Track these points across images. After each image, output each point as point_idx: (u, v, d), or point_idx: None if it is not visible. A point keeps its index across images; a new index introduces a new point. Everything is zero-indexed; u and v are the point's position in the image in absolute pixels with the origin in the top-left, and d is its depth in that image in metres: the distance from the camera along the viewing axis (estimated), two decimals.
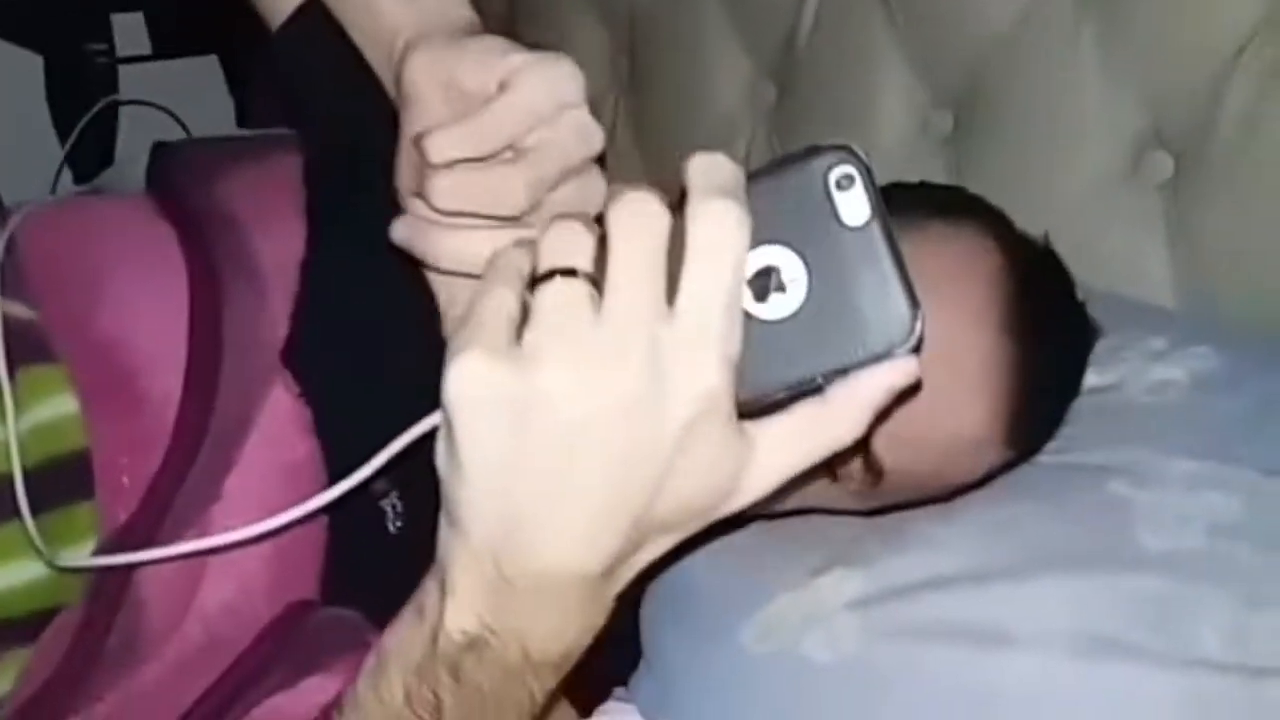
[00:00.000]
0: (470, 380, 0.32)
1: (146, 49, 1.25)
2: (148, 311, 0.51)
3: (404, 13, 0.45)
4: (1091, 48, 0.73)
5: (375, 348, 0.56)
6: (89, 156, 1.16)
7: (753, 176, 0.33)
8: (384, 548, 0.56)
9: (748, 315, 0.33)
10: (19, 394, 0.49)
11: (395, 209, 0.54)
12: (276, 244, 0.57)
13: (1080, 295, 0.60)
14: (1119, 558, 0.49)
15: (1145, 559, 0.49)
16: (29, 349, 0.50)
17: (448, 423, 0.33)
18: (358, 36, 0.48)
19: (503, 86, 0.40)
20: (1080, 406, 0.58)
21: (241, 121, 1.43)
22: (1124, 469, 0.53)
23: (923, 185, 0.63)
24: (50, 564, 0.46)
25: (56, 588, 0.48)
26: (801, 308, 0.33)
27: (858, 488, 0.53)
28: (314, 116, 0.61)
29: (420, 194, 0.41)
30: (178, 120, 0.90)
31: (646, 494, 0.33)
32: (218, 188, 0.59)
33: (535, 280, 0.33)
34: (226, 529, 0.45)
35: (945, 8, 0.83)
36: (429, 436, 0.38)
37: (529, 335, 0.32)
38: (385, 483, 0.56)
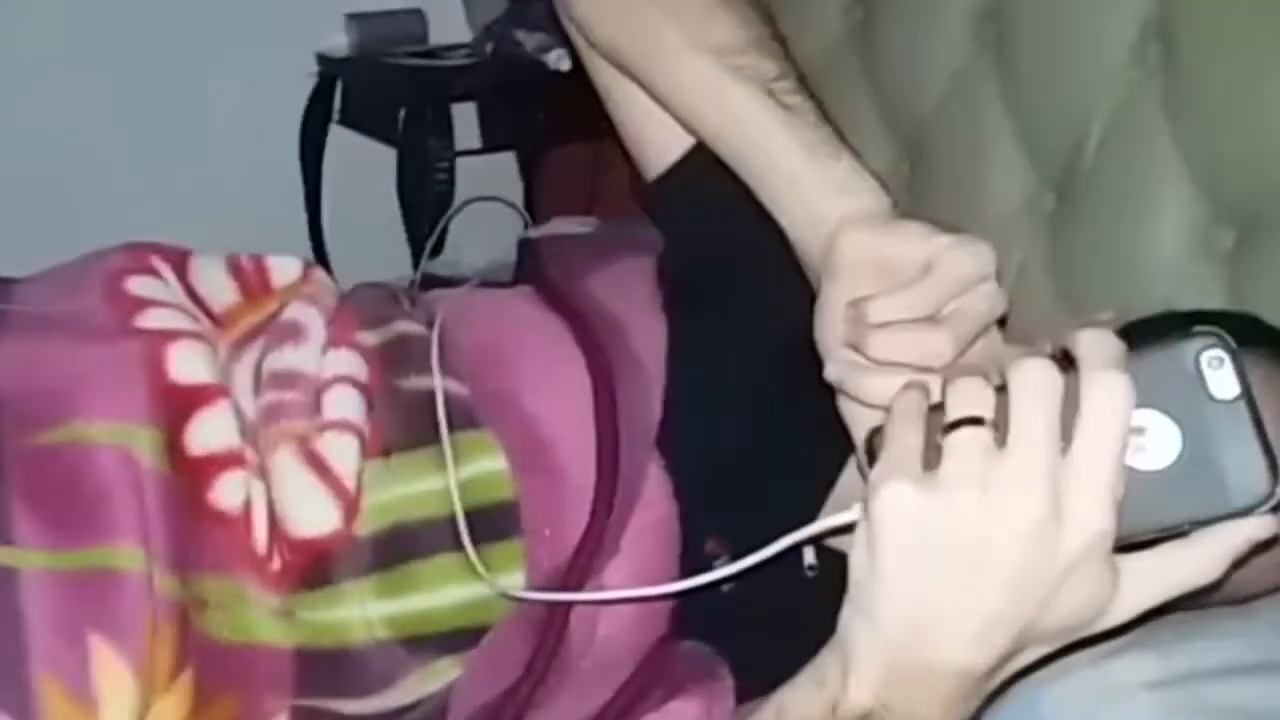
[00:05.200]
0: (898, 504, 0.42)
1: (476, 143, 1.46)
2: (560, 395, 0.64)
3: (835, 201, 0.57)
4: None
5: (728, 428, 0.67)
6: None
7: (1130, 346, 0.42)
8: (717, 598, 0.66)
9: (1126, 466, 0.41)
10: (456, 452, 0.62)
11: (751, 318, 0.66)
12: (646, 337, 0.68)
13: None
14: None
15: None
16: (462, 417, 0.63)
17: (872, 534, 0.42)
18: (775, 208, 0.60)
19: (929, 262, 0.50)
20: None
21: (529, 209, 1.62)
22: None
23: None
24: (499, 591, 0.58)
25: (482, 609, 0.60)
26: (1172, 464, 0.41)
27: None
28: (687, 235, 0.73)
29: (854, 345, 0.51)
30: (519, 212, 1.06)
31: (1034, 609, 0.41)
32: (589, 284, 0.72)
33: (947, 427, 0.42)
34: (620, 576, 0.57)
35: (1231, 123, 0.88)
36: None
37: (945, 469, 0.41)
38: (718, 546, 0.67)
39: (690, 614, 0.63)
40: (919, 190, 1.14)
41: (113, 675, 0.52)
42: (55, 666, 0.51)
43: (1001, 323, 0.55)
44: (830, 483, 0.68)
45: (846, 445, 0.63)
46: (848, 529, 0.45)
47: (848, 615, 0.45)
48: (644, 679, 0.60)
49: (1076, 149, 0.98)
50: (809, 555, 0.66)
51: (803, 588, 0.65)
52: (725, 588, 0.65)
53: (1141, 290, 0.93)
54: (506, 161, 1.78)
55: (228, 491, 0.58)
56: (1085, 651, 0.59)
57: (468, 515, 0.60)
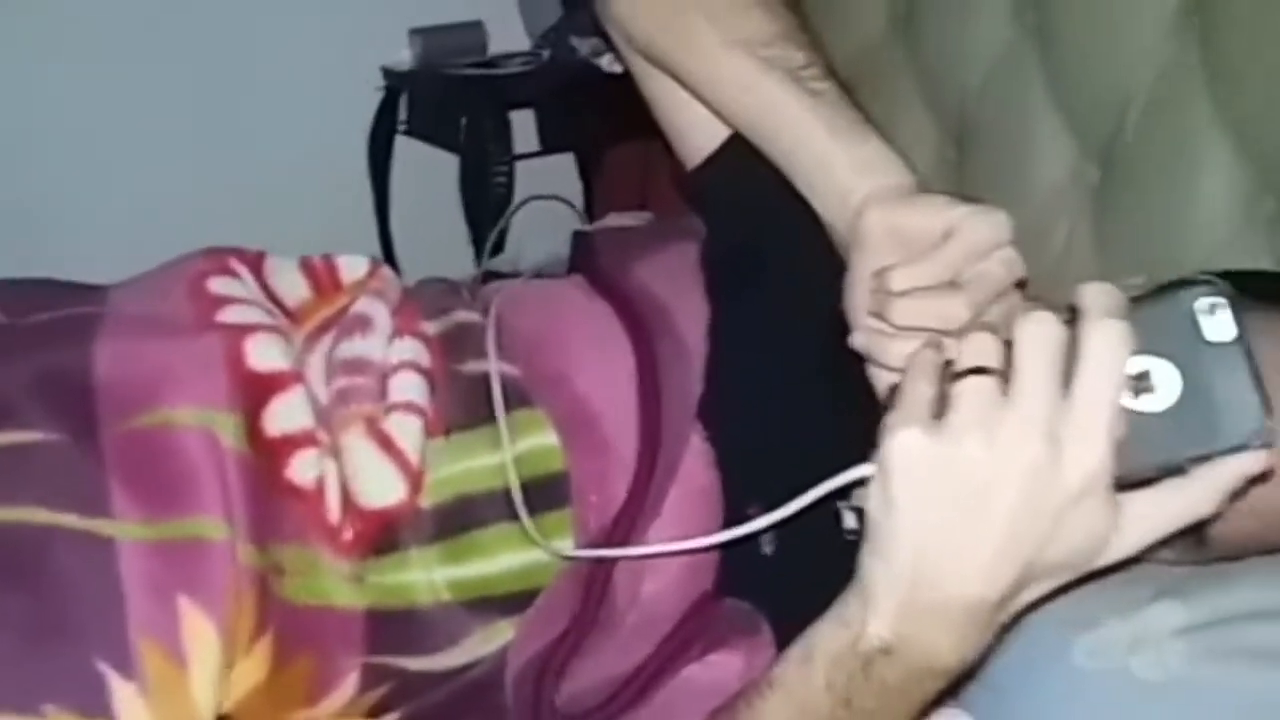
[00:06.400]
0: (910, 449, 0.45)
1: (534, 145, 1.51)
2: (606, 374, 0.67)
3: (861, 179, 0.61)
4: None
5: (768, 401, 0.70)
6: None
7: (1133, 300, 0.44)
8: (759, 560, 0.69)
9: (1125, 408, 0.43)
10: (512, 430, 0.66)
11: (789, 297, 0.69)
12: (688, 317, 0.72)
13: None
14: None
15: None
16: (516, 397, 0.68)
17: (885, 478, 0.46)
18: (807, 189, 0.64)
19: (948, 232, 0.53)
20: None
21: (588, 208, 1.67)
22: None
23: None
24: (553, 553, 0.62)
25: (536, 573, 0.64)
26: (1173, 406, 0.43)
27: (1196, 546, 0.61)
28: (727, 221, 0.76)
29: (877, 313, 0.55)
30: (575, 210, 1.10)
31: (1038, 544, 0.44)
32: (636, 270, 0.75)
33: (956, 375, 0.45)
34: (662, 539, 0.61)
35: (1272, 92, 0.89)
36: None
37: (952, 416, 0.44)
38: (759, 514, 0.70)
39: (733, 574, 0.67)
40: (966, 173, 1.16)
41: (200, 635, 0.57)
42: (152, 628, 0.56)
43: (1021, 286, 0.57)
44: (869, 452, 0.70)
45: (882, 415, 0.66)
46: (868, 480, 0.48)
47: (865, 556, 0.48)
48: (686, 634, 0.64)
49: (1119, 122, 0.99)
50: (849, 519, 0.69)
51: (842, 551, 0.68)
52: (767, 550, 0.69)
53: (1187, 260, 0.94)
54: (566, 163, 1.83)
55: (303, 468, 0.63)
56: (1118, 600, 0.61)
57: (523, 487, 0.64)
